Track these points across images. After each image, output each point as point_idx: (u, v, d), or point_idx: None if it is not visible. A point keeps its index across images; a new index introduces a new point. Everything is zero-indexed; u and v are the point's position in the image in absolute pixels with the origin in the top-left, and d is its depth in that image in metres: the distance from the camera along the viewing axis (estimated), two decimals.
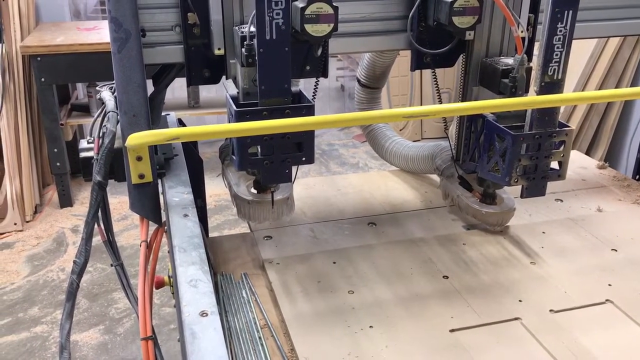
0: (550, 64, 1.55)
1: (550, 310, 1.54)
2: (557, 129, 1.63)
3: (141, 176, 1.41)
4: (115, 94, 1.52)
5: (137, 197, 1.41)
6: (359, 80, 2.41)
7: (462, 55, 1.86)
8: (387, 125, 2.51)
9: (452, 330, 1.47)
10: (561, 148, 1.66)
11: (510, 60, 1.74)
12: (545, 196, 1.73)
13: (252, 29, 1.42)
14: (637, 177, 2.50)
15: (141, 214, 1.43)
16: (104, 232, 1.50)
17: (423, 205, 2.13)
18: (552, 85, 1.57)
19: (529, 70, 1.67)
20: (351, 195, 2.21)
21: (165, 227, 1.54)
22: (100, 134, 1.55)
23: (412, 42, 1.76)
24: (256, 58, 1.36)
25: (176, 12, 1.63)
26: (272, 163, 1.45)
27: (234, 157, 1.50)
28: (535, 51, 1.73)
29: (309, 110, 1.42)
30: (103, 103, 1.57)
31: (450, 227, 1.96)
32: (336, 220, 2.02)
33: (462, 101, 1.89)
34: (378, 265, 1.73)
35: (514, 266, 1.73)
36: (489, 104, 1.56)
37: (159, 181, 1.48)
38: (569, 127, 1.64)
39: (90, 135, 1.61)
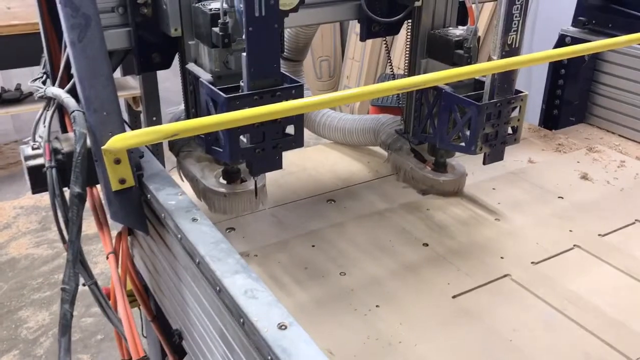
0: (510, 33, 1.59)
1: (532, 263, 1.62)
2: (515, 95, 1.69)
3: (122, 181, 1.24)
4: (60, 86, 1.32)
5: (119, 206, 1.24)
6: None
7: (406, 24, 1.85)
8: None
9: (454, 297, 1.49)
10: (517, 113, 1.72)
11: (457, 31, 1.76)
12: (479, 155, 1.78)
13: (225, 5, 1.29)
14: (542, 125, 2.69)
15: (127, 223, 1.26)
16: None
17: (372, 175, 2.12)
18: (511, 53, 1.61)
19: (479, 40, 1.71)
20: (298, 174, 2.14)
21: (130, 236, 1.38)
22: (49, 138, 1.34)
23: (364, 11, 1.72)
24: (244, 37, 1.24)
25: None
26: (263, 151, 1.35)
27: (216, 149, 1.37)
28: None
29: (299, 91, 1.33)
30: (50, 100, 1.35)
31: (407, 194, 1.97)
32: (294, 201, 1.95)
33: (409, 74, 1.89)
34: (357, 243, 1.70)
35: (483, 224, 1.79)
36: (456, 73, 1.55)
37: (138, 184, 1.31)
38: (523, 92, 1.71)
39: (34, 140, 1.38)
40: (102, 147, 1.18)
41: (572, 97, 2.57)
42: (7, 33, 3.36)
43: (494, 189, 1.99)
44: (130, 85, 4.10)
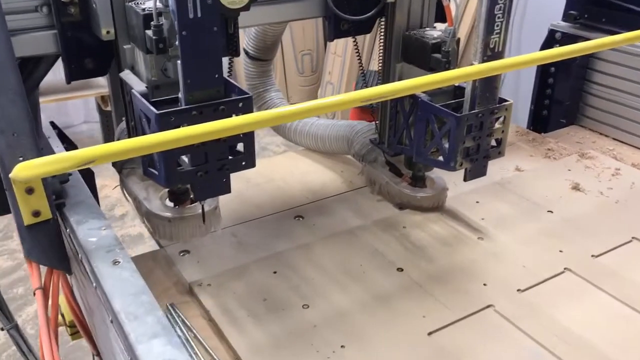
0: (492, 36, 1.41)
1: (518, 290, 1.45)
2: (498, 105, 1.51)
3: (36, 214, 1.05)
4: None
5: (34, 242, 1.06)
6: (247, 53, 2.13)
7: (379, 26, 1.67)
8: (283, 99, 2.27)
9: (430, 334, 1.32)
10: (500, 124, 1.55)
11: (435, 33, 1.58)
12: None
13: (159, 4, 1.10)
14: (531, 127, 2.51)
15: (43, 262, 1.08)
16: None
17: (345, 186, 1.95)
18: (494, 57, 1.43)
19: (458, 42, 1.53)
20: (264, 185, 1.96)
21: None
22: None
23: (331, 8, 1.53)
24: (177, 43, 1.05)
25: None
26: (206, 173, 1.16)
27: (152, 171, 1.18)
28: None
29: (247, 103, 1.15)
30: None
31: (383, 209, 1.80)
32: (257, 218, 1.77)
33: (384, 80, 1.71)
34: (324, 267, 1.52)
35: (464, 244, 1.62)
36: (433, 80, 1.36)
37: (58, 215, 1.12)
38: (508, 101, 1.53)
39: None
40: (9, 175, 0.99)
41: (562, 97, 2.39)
42: None
43: (477, 202, 1.82)
44: (99, 84, 3.90)
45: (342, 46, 4.63)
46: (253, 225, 1.72)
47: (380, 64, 1.70)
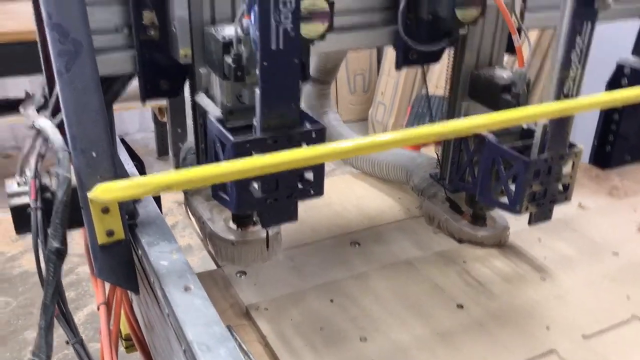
0: (566, 82, 1.38)
1: (583, 336, 1.40)
2: (568, 151, 1.47)
3: (110, 233, 1.07)
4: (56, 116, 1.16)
5: (105, 262, 1.07)
6: None
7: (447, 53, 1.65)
8: (340, 122, 2.27)
9: None
10: (569, 169, 1.51)
11: (504, 73, 1.56)
12: None
13: (240, 32, 1.11)
14: (592, 162, 2.44)
15: (113, 282, 1.09)
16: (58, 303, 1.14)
17: (402, 214, 1.92)
18: None
19: (528, 84, 1.50)
20: (320, 208, 1.95)
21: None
22: (36, 174, 1.18)
23: (401, 37, 1.52)
24: (257, 72, 1.06)
25: (121, 8, 1.28)
26: (275, 201, 1.16)
27: (222, 196, 1.19)
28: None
29: (320, 134, 1.15)
30: (38, 132, 1.19)
31: (442, 240, 1.76)
32: (313, 242, 1.76)
33: (449, 116, 1.70)
34: (382, 299, 1.50)
35: (527, 283, 1.58)
36: (502, 119, 1.31)
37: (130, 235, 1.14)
38: (577, 146, 1.50)
39: (21, 175, 1.23)
40: (88, 195, 1.01)
41: (628, 133, 2.32)
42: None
43: (539, 239, 1.77)
44: None
45: None
46: (309, 250, 1.72)
47: (446, 99, 1.68)
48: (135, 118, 4.87)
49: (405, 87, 4.53)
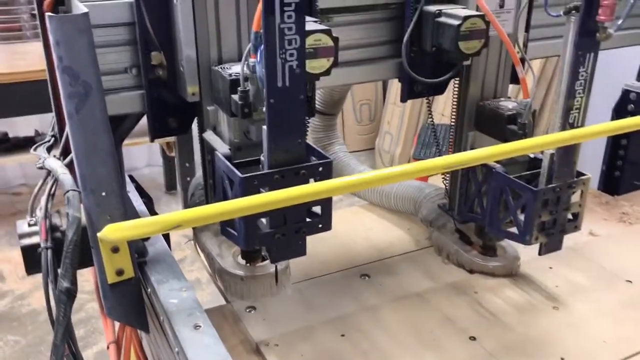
0: (572, 112, 1.39)
1: None
2: (576, 179, 1.47)
3: (119, 272, 1.07)
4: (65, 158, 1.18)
5: (115, 300, 1.07)
6: None
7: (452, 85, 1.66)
8: (347, 153, 2.28)
9: None
10: (577, 198, 1.51)
11: (510, 104, 1.57)
12: None
13: (246, 70, 1.13)
14: (602, 188, 2.43)
15: (123, 321, 1.09)
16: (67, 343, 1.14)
17: (412, 245, 1.91)
18: None
19: (534, 114, 1.51)
20: (328, 240, 1.94)
21: None
22: (46, 214, 1.19)
23: (406, 71, 1.54)
24: (264, 109, 1.07)
25: (130, 50, 1.31)
26: (284, 236, 1.16)
27: (230, 232, 1.19)
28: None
29: (327, 168, 1.15)
30: (49, 172, 1.20)
31: (452, 271, 1.75)
32: (322, 276, 1.75)
33: (455, 147, 1.70)
34: (393, 332, 1.48)
35: (539, 312, 1.56)
36: (509, 149, 1.32)
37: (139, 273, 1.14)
38: (585, 175, 1.50)
39: (32, 215, 1.24)
40: (98, 235, 1.01)
41: (637, 158, 2.31)
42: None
43: (550, 268, 1.75)
44: None
45: None
46: (319, 283, 1.71)
47: (452, 132, 1.69)
48: (143, 153, 4.90)
49: (411, 116, 4.56)
